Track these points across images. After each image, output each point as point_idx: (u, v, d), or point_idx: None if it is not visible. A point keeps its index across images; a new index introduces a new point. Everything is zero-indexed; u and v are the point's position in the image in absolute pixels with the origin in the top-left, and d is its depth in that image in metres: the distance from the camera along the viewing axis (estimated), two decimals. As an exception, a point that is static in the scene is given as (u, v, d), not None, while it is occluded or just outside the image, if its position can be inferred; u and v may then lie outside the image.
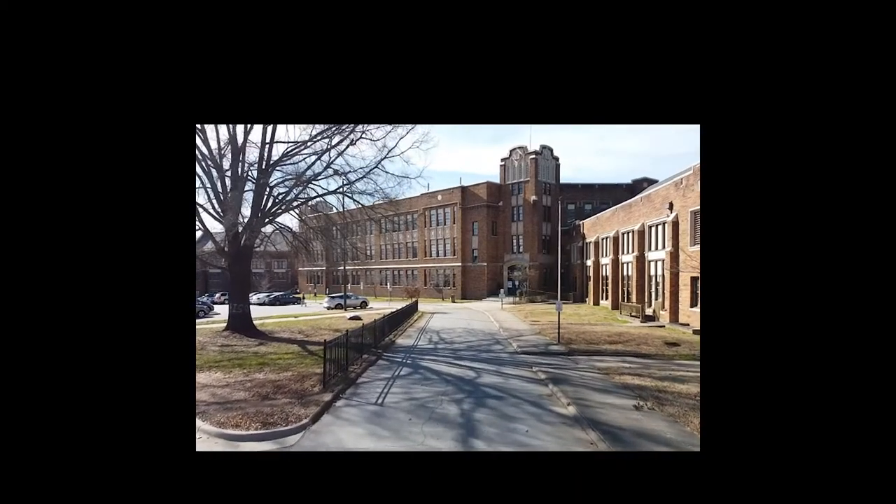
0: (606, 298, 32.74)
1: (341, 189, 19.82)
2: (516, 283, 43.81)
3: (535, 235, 43.84)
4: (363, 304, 36.78)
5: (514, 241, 45.35)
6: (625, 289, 29.57)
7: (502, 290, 39.15)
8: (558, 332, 16.26)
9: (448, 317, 28.05)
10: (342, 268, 57.30)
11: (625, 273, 29.64)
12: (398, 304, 32.00)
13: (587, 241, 37.49)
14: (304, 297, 47.66)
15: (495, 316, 27.48)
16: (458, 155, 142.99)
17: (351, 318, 25.57)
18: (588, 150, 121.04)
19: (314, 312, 31.88)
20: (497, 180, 46.29)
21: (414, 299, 34.00)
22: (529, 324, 22.84)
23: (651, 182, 45.20)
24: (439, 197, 48.96)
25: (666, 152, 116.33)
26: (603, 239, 33.84)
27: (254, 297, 45.74)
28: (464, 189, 46.88)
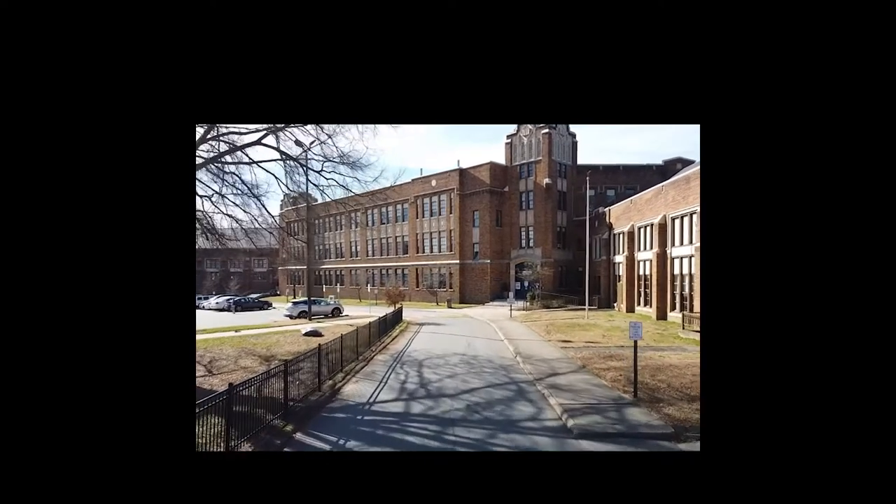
0: (647, 304, 25.48)
1: (273, 131, 12.63)
2: (526, 283, 36.24)
3: (548, 226, 36.37)
4: (335, 312, 29.38)
5: (523, 233, 37.86)
6: (676, 292, 22.32)
7: (510, 294, 31.52)
8: (635, 382, 8.92)
9: (441, 331, 20.73)
10: (323, 266, 50.19)
11: (676, 271, 22.37)
12: (383, 310, 24.91)
13: (615, 231, 30.19)
14: (271, 303, 39.92)
15: (505, 330, 20.16)
16: (456, 155, 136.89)
17: (307, 335, 18.56)
18: (589, 150, 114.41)
19: (269, 323, 24.65)
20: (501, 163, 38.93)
21: (398, 305, 26.65)
22: (558, 345, 15.49)
23: (686, 162, 37.90)
24: (433, 182, 41.48)
25: (670, 150, 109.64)
26: (640, 228, 26.55)
27: (212, 301, 38.63)
28: (462, 172, 39.33)
